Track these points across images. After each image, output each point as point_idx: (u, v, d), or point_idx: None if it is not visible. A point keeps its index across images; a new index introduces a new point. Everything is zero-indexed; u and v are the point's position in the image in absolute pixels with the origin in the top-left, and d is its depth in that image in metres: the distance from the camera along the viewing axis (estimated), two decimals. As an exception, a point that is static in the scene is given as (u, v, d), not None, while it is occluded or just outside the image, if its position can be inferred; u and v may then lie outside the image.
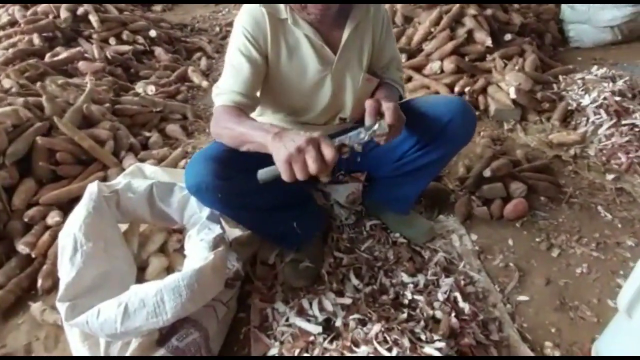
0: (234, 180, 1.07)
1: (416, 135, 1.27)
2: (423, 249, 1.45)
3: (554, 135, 1.99)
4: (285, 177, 0.89)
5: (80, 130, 1.85)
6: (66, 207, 1.55)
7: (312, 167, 0.86)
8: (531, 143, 2.00)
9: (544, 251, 1.46)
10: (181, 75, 2.74)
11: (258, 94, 1.22)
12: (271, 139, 0.93)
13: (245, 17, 1.17)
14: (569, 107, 2.12)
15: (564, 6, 3.08)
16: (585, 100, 2.10)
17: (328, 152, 0.87)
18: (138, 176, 1.41)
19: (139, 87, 2.38)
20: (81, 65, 2.41)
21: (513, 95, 2.11)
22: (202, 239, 1.11)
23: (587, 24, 2.95)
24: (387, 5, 2.61)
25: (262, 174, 0.94)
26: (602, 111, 2.01)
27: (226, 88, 1.16)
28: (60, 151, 1.73)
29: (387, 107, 1.03)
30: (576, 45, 3.02)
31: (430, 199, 1.65)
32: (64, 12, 2.76)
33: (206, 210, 1.20)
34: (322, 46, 1.21)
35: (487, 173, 1.67)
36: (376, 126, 1.00)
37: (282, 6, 1.17)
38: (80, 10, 2.81)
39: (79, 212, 1.14)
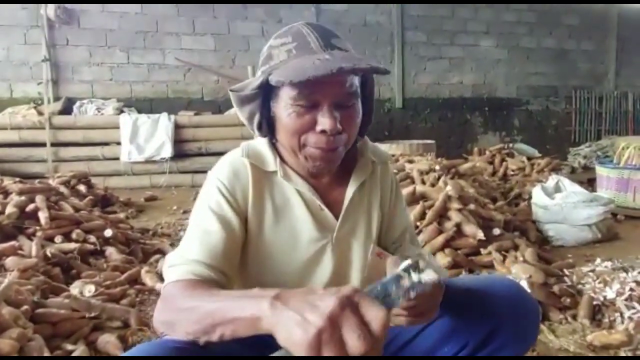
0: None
1: (460, 334, 0.87)
2: None
3: (593, 336, 1.61)
4: None
5: (-28, 342, 1.33)
6: None
7: (358, 345, 0.51)
8: (569, 347, 1.60)
9: None
10: (132, 276, 2.32)
11: (232, 271, 0.86)
12: (269, 308, 0.56)
13: (221, 169, 0.91)
14: (594, 302, 1.81)
15: (534, 207, 3.12)
16: (609, 294, 1.81)
17: (376, 314, 0.53)
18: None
19: (75, 288, 1.92)
20: (9, 261, 1.99)
21: (527, 290, 1.81)
22: None
23: (564, 224, 2.93)
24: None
25: None
26: (635, 304, 1.71)
27: (185, 257, 0.80)
28: None
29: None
30: (559, 244, 2.93)
31: None
32: (10, 207, 2.47)
33: None
34: (320, 207, 0.92)
35: (540, 388, 1.22)
36: (422, 263, 0.62)
37: (270, 157, 0.92)
38: (31, 206, 2.54)
39: None
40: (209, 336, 0.65)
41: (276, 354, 0.55)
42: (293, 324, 0.53)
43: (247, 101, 0.87)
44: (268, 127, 0.90)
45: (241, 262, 0.91)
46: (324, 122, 0.81)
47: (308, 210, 0.91)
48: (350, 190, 0.95)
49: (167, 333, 0.71)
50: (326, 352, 0.51)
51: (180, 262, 0.79)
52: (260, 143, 0.95)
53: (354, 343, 0.51)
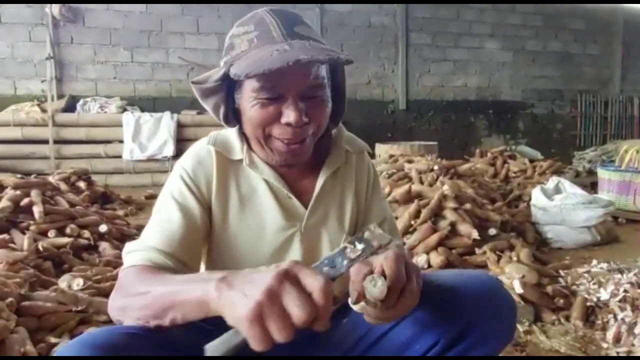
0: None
1: (431, 331, 0.82)
2: None
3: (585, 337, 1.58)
4: (256, 343, 0.52)
5: (-47, 332, 1.32)
6: None
7: (299, 314, 0.52)
8: (560, 348, 1.56)
9: None
10: (125, 271, 2.31)
11: (193, 260, 0.84)
12: (215, 290, 0.56)
13: (186, 158, 0.90)
14: (588, 303, 1.78)
15: (534, 209, 3.08)
16: (604, 295, 1.78)
17: (314, 282, 0.54)
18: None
19: (63, 281, 1.91)
20: (-2, 254, 1.99)
21: (519, 290, 1.78)
22: None
23: (563, 225, 2.88)
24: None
25: (215, 347, 0.54)
26: (628, 307, 1.67)
27: (144, 244, 0.79)
28: None
29: (385, 256, 0.64)
30: (558, 246, 2.89)
31: None
32: (4, 201, 2.48)
33: None
34: (287, 195, 0.90)
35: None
36: (367, 234, 0.64)
37: (237, 145, 0.90)
38: (25, 200, 2.55)
39: None
40: (161, 320, 0.64)
41: (223, 338, 0.55)
42: (236, 302, 0.54)
43: (210, 93, 0.86)
44: (235, 117, 0.89)
45: (207, 251, 0.89)
46: (289, 114, 0.79)
47: (275, 199, 0.89)
48: (322, 179, 0.92)
49: (120, 319, 0.70)
50: (270, 325, 0.52)
51: (138, 249, 0.78)
52: (230, 131, 0.93)
53: (294, 312, 0.52)
